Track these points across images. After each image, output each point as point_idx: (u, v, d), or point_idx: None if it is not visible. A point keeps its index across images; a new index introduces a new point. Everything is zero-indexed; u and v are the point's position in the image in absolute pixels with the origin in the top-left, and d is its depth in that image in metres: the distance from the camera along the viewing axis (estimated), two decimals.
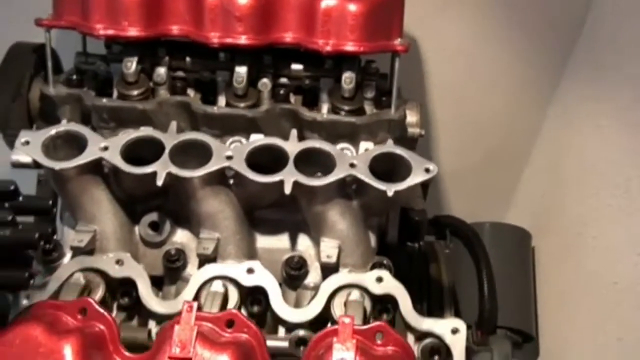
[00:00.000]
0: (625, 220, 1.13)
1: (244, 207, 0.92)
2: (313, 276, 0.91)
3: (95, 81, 1.07)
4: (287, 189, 0.86)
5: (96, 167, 0.90)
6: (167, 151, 0.88)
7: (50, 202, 0.74)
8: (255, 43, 0.98)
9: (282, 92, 1.03)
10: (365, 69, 1.05)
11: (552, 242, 1.35)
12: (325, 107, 1.04)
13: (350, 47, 0.97)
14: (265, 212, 0.95)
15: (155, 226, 0.93)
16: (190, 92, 1.06)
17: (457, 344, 0.82)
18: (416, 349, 0.84)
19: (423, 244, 1.08)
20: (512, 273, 1.35)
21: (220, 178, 0.90)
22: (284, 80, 1.06)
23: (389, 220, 0.98)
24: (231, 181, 0.91)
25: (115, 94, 1.04)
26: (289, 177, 0.87)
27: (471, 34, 1.24)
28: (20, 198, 0.74)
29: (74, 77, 1.05)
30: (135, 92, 1.02)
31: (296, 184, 0.86)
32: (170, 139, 0.90)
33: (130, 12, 0.97)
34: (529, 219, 1.38)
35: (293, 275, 0.90)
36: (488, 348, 1.20)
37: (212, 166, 0.88)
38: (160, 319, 0.83)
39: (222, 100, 1.04)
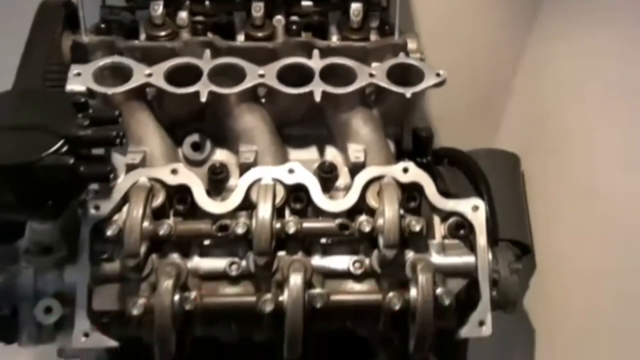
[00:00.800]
0: (607, 133, 1.24)
1: (275, 123, 1.03)
2: (343, 179, 1.02)
3: (121, 30, 1.17)
4: (317, 97, 0.96)
5: (141, 93, 0.99)
6: (205, 73, 0.98)
7: (117, 112, 0.83)
8: None
9: (294, 27, 1.15)
10: (369, 0, 1.16)
11: (539, 163, 1.47)
12: (334, 39, 1.15)
13: None
14: (292, 129, 1.06)
15: (196, 146, 1.03)
16: (209, 35, 1.16)
17: (478, 219, 0.93)
18: (443, 227, 0.95)
19: (431, 159, 1.19)
20: (506, 193, 1.46)
21: (253, 96, 1.00)
22: (294, 18, 1.17)
23: (403, 132, 1.09)
24: (263, 100, 1.02)
25: (143, 37, 1.13)
26: (317, 87, 0.97)
27: None
28: (90, 110, 0.83)
29: (102, 26, 1.15)
30: (162, 33, 1.12)
31: (324, 94, 0.97)
32: (206, 64, 1.00)
33: None
34: (517, 144, 1.50)
35: (326, 178, 0.99)
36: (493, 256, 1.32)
37: (247, 83, 0.98)
38: (216, 218, 0.92)
39: (240, 38, 1.15)
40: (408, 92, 0.97)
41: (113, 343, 0.88)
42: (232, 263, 0.90)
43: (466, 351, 1.06)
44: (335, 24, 1.16)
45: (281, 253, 0.90)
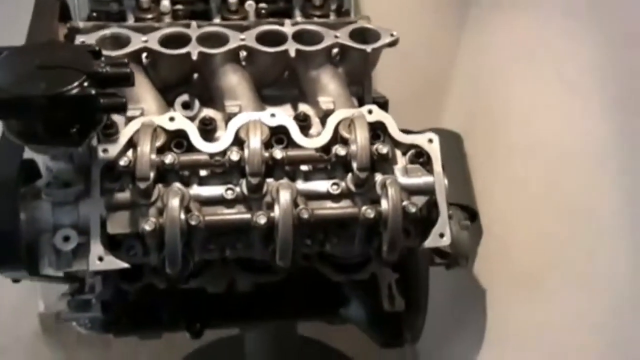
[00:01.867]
0: (542, 110, 1.42)
1: (254, 84, 1.19)
2: (315, 128, 1.17)
3: (109, 19, 1.32)
4: (292, 54, 1.14)
5: (138, 58, 1.14)
6: (194, 38, 1.14)
7: (126, 59, 0.98)
8: None
9: (263, 12, 1.32)
10: None
11: (480, 140, 1.67)
12: (299, 19, 1.33)
13: None
14: (269, 90, 1.22)
15: (186, 105, 1.18)
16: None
17: (433, 149, 1.09)
18: (405, 159, 1.11)
19: None
20: (453, 168, 1.64)
21: (236, 58, 1.16)
22: (263, 5, 1.35)
23: (364, 92, 1.27)
24: (243, 63, 1.18)
25: (131, 21, 1.29)
26: (292, 46, 1.15)
27: None
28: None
29: (94, 14, 1.30)
30: (149, 16, 1.27)
31: (297, 52, 1.14)
32: (194, 31, 1.16)
33: None
34: (459, 124, 1.70)
35: (301, 125, 1.15)
36: None
37: (230, 45, 1.14)
38: (211, 157, 1.06)
39: (217, 22, 1.31)
40: (369, 47, 1.15)
41: (125, 265, 1.01)
42: (227, 189, 1.04)
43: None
44: (298, 6, 1.34)
45: (269, 180, 1.05)
